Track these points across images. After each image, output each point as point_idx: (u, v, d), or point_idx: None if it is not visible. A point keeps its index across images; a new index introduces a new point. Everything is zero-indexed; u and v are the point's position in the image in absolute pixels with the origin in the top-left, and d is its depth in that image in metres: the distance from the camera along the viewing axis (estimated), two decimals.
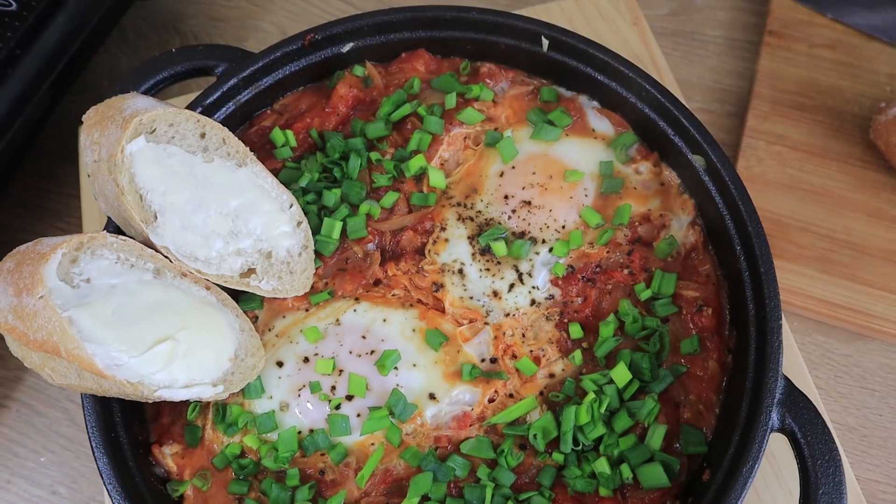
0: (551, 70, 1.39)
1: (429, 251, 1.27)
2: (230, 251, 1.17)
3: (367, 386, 1.17)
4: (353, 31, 1.38)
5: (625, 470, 1.12)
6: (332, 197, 1.28)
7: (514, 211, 1.29)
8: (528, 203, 1.29)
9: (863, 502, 1.28)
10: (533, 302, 1.24)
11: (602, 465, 1.11)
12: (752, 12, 1.80)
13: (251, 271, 1.19)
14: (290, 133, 1.35)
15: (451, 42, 1.41)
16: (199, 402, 1.18)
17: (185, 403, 1.19)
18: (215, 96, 1.33)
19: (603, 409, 1.14)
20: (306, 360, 1.19)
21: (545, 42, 1.36)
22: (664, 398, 1.17)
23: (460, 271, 1.26)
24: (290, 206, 1.23)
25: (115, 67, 1.82)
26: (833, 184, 1.55)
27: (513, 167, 1.32)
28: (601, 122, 1.37)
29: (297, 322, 1.23)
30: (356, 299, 1.24)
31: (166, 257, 1.12)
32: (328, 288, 1.25)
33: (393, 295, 1.25)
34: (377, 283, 1.26)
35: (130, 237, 1.11)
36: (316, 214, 1.28)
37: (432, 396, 1.17)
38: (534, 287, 1.25)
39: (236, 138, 1.19)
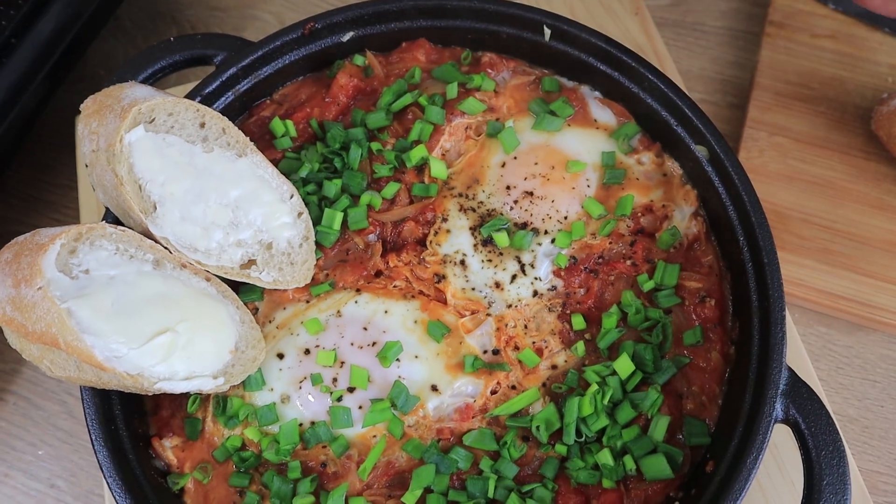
0: (553, 60, 1.38)
1: (430, 242, 1.26)
2: (230, 242, 1.16)
3: (369, 378, 1.16)
4: (354, 19, 1.37)
5: (628, 461, 1.11)
6: (332, 187, 1.27)
7: (516, 202, 1.28)
8: (531, 194, 1.28)
9: (864, 493, 1.28)
10: (535, 293, 1.23)
11: (605, 457, 1.11)
12: (754, 2, 1.79)
13: (251, 262, 1.18)
14: (289, 123, 1.33)
15: (452, 31, 1.40)
16: (200, 394, 1.17)
17: (185, 396, 1.18)
18: (214, 86, 1.32)
19: (606, 401, 1.14)
20: (307, 351, 1.18)
21: (547, 31, 1.35)
22: (667, 389, 1.17)
23: (462, 262, 1.25)
24: (291, 197, 1.22)
25: (111, 57, 1.80)
26: (834, 175, 1.54)
27: (514, 158, 1.31)
28: (603, 113, 1.36)
29: (298, 314, 1.22)
30: (357, 290, 1.23)
31: (166, 248, 1.11)
32: (329, 279, 1.24)
33: (394, 286, 1.24)
34: (378, 274, 1.25)
35: (129, 228, 1.10)
36: (316, 205, 1.27)
37: (434, 388, 1.17)
38: (536, 278, 1.24)
39: (236, 128, 1.18)
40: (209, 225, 1.14)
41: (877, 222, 1.50)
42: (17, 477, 1.44)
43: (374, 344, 1.18)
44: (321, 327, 1.20)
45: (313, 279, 1.24)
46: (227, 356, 1.12)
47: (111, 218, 1.18)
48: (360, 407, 1.16)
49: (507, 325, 1.21)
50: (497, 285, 1.24)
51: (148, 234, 1.10)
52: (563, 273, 1.24)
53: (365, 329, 1.20)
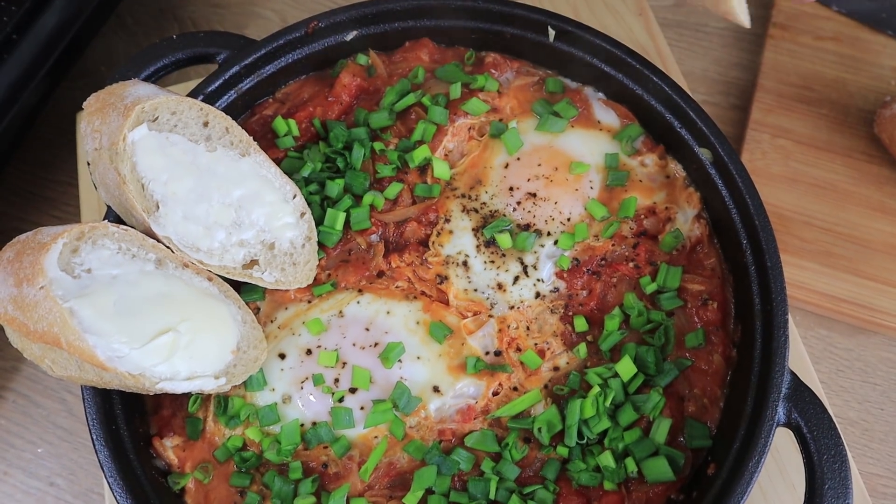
0: (557, 60, 1.38)
1: (433, 243, 1.26)
2: (233, 242, 1.15)
3: (371, 378, 1.16)
4: (357, 19, 1.37)
5: (629, 463, 1.11)
6: (335, 187, 1.27)
7: (518, 203, 1.28)
8: (534, 195, 1.28)
9: (864, 496, 1.28)
10: (538, 295, 1.23)
11: (607, 459, 1.11)
12: (758, 4, 1.79)
13: (254, 262, 1.18)
14: (292, 122, 1.33)
15: (455, 31, 1.39)
16: (201, 394, 1.17)
17: (187, 396, 1.17)
18: (216, 84, 1.31)
19: (608, 403, 1.14)
20: (309, 352, 1.18)
21: (551, 32, 1.35)
22: (669, 392, 1.17)
23: (465, 263, 1.25)
24: (294, 197, 1.22)
25: (112, 54, 1.79)
26: (837, 177, 1.54)
27: (518, 159, 1.31)
28: (607, 114, 1.35)
29: (300, 314, 1.22)
30: (359, 291, 1.23)
31: (168, 248, 1.10)
32: (331, 279, 1.24)
33: (396, 287, 1.24)
34: (381, 274, 1.25)
35: (131, 227, 1.10)
36: (319, 205, 1.26)
37: (436, 389, 1.17)
38: (538, 280, 1.24)
39: (239, 127, 1.18)
40: (212, 224, 1.14)
41: (879, 225, 1.50)
42: (17, 475, 1.43)
43: (376, 345, 1.18)
44: (323, 328, 1.19)
45: (315, 279, 1.23)
46: (228, 356, 1.11)
47: (113, 217, 1.17)
48: (362, 408, 1.15)
49: (509, 327, 1.21)
50: (499, 287, 1.24)
51: (150, 234, 1.09)
52: (565, 275, 1.24)
53: (367, 329, 1.19)
